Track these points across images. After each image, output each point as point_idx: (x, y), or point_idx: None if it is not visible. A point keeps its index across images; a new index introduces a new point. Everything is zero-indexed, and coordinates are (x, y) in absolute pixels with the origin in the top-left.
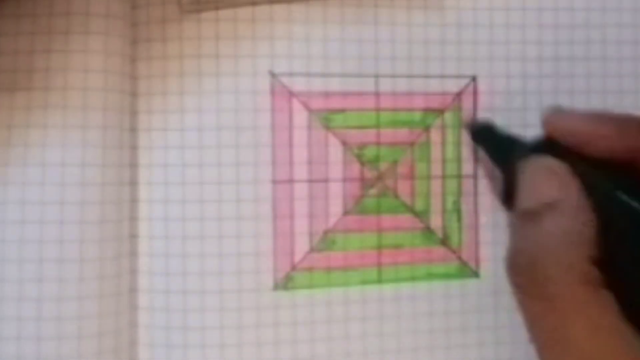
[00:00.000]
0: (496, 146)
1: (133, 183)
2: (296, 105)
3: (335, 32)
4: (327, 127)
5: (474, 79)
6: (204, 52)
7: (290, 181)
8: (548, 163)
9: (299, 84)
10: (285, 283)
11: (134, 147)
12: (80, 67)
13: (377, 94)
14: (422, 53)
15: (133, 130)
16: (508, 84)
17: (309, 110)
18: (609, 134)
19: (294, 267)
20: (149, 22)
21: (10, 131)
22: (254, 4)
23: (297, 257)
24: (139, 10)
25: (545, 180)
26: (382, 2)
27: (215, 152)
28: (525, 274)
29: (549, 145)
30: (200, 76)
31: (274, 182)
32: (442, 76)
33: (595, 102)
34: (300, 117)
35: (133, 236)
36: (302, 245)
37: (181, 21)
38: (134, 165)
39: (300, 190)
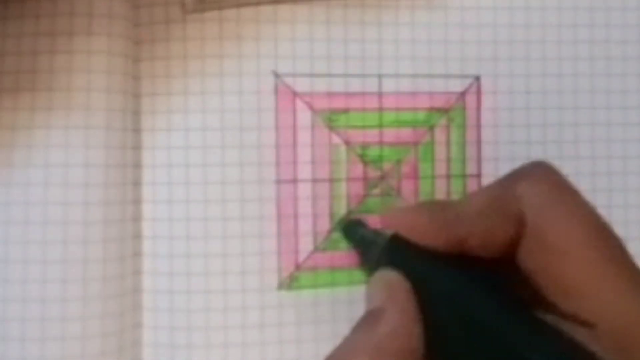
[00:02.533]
0: (362, 241)
1: (136, 183)
2: (299, 105)
3: (338, 32)
4: (330, 127)
5: (477, 78)
6: (208, 52)
7: (294, 181)
8: (382, 274)
9: (302, 84)
10: (289, 283)
11: (137, 148)
12: (83, 67)
13: (380, 94)
14: (426, 53)
15: (136, 130)
16: (512, 84)
17: (313, 110)
18: (426, 227)
19: (298, 267)
20: (152, 23)
21: (13, 132)
22: (257, 4)
23: (301, 257)
24: (142, 11)
25: (378, 290)
26: (386, 2)
27: (218, 152)
28: None
29: (397, 239)
30: (203, 76)
31: (278, 182)
32: (445, 76)
33: (599, 102)
34: (304, 117)
35: (137, 237)
36: (306, 245)
37: (185, 21)
38: (137, 166)
39: (304, 190)
